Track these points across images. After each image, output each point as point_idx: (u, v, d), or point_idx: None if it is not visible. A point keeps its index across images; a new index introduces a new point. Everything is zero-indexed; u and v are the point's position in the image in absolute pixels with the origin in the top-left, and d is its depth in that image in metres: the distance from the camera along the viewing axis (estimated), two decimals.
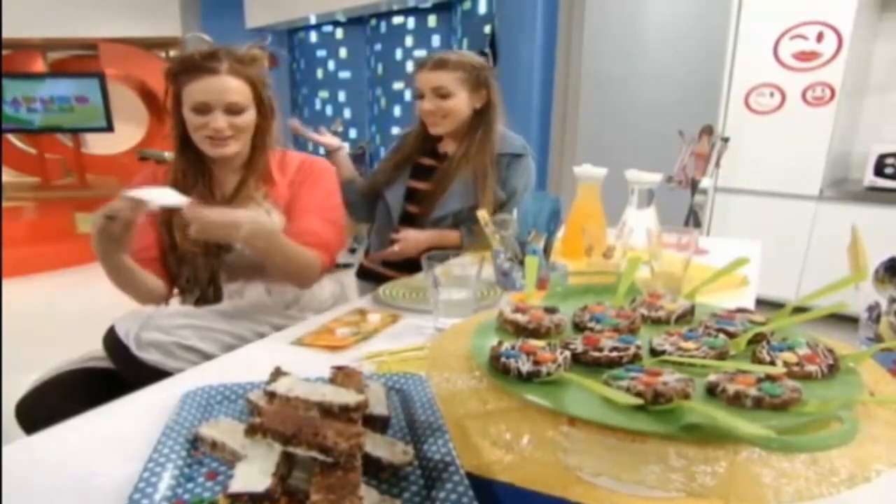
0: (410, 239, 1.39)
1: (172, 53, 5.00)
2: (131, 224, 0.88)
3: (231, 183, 1.13)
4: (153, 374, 0.79)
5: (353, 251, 4.31)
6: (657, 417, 0.43)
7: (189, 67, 1.02)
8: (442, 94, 1.38)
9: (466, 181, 1.41)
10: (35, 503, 0.49)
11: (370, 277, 1.54)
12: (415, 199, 1.48)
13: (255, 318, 1.03)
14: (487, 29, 3.59)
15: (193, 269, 1.09)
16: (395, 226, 1.46)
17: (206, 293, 1.11)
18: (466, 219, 1.43)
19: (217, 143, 1.05)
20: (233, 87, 1.03)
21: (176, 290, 1.15)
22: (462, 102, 1.40)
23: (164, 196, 0.91)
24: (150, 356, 0.86)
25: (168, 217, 1.07)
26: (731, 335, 0.59)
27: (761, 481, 0.38)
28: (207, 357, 0.89)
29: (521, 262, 1.05)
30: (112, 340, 0.88)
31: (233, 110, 1.04)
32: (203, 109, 1.02)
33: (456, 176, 1.42)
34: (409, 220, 1.47)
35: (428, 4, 4.13)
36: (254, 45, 1.08)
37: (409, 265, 1.31)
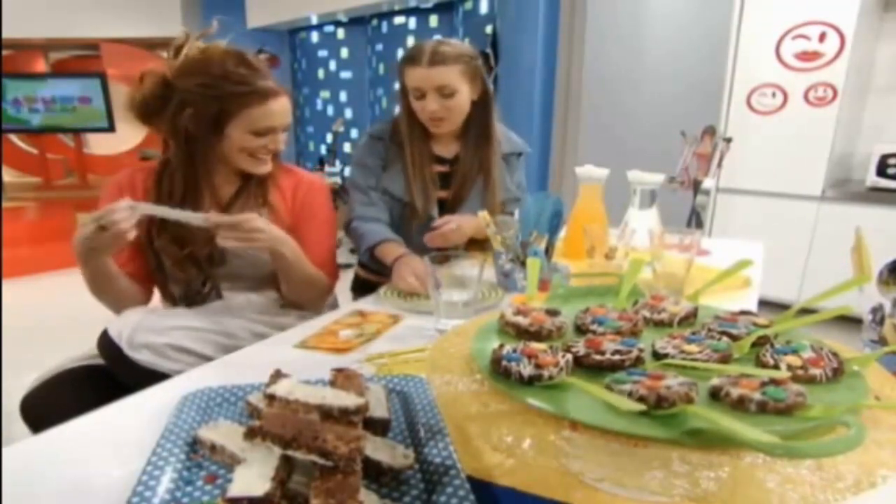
0: (455, 222, 1.27)
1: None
2: (123, 235, 0.87)
3: (227, 190, 1.10)
4: (148, 376, 0.79)
5: (353, 251, 4.31)
6: (660, 422, 0.42)
7: (247, 92, 0.98)
8: (447, 93, 1.24)
9: (482, 181, 1.39)
10: None
11: (366, 289, 1.36)
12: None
13: (248, 317, 1.03)
14: (489, 29, 3.59)
15: (186, 282, 1.07)
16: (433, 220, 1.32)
17: (201, 299, 1.09)
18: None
19: (265, 161, 1.06)
20: (289, 107, 1.05)
21: (160, 298, 1.13)
22: (465, 98, 1.28)
23: (177, 213, 0.92)
24: (143, 357, 0.86)
25: (151, 237, 1.05)
26: (734, 338, 0.58)
27: (766, 487, 0.38)
28: (202, 358, 0.89)
29: (523, 264, 1.05)
30: (105, 343, 0.87)
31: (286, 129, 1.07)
32: (266, 132, 1.03)
33: (475, 179, 1.37)
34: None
35: (429, 4, 4.14)
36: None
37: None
